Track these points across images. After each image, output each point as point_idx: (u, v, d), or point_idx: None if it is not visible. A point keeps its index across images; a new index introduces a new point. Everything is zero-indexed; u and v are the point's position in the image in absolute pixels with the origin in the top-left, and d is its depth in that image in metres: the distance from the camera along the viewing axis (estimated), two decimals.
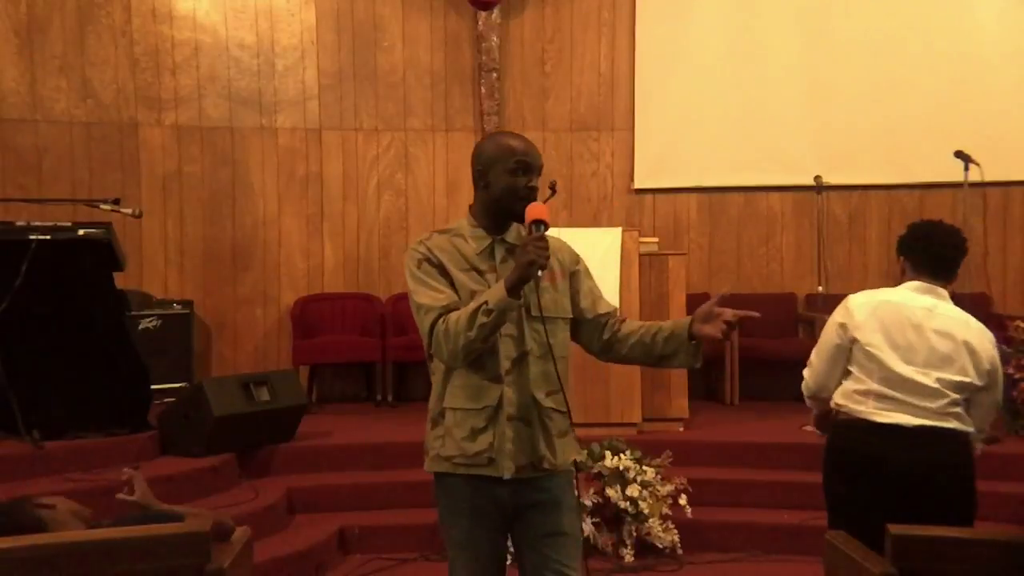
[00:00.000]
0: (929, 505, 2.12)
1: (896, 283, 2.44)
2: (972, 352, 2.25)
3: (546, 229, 1.91)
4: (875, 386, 2.23)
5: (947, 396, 2.21)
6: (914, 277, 2.36)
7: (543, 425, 2.01)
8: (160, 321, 5.33)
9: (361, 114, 6.17)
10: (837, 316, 2.37)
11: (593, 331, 2.15)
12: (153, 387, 4.36)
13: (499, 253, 2.04)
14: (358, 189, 6.18)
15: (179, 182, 5.95)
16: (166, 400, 4.57)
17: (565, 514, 2.05)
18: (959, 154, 4.74)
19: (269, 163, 6.09)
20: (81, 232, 3.97)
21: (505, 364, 1.98)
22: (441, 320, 1.94)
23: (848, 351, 2.31)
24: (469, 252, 2.04)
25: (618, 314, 2.18)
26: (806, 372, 2.44)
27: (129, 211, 4.26)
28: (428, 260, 2.03)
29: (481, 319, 1.88)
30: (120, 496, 2.23)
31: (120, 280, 4.31)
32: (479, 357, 1.96)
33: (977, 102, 5.86)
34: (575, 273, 2.14)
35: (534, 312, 2.00)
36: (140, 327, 5.19)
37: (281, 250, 6.11)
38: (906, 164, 5.96)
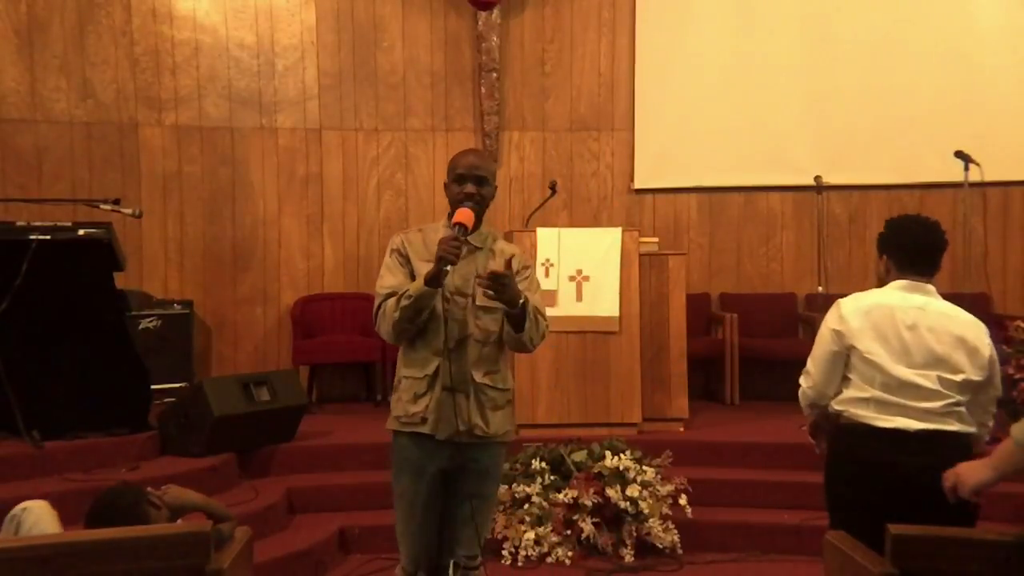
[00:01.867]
0: (932, 509, 2.10)
1: (880, 282, 2.41)
2: (968, 348, 2.24)
3: (465, 232, 2.27)
4: (876, 392, 2.21)
5: (948, 396, 2.20)
6: (899, 276, 2.34)
7: (478, 399, 2.38)
8: (160, 321, 5.33)
9: (361, 114, 6.18)
10: (831, 323, 2.33)
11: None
12: (153, 387, 4.36)
13: (465, 248, 2.32)
14: (358, 189, 6.18)
15: (179, 182, 5.95)
16: (166, 400, 4.57)
17: (489, 482, 2.46)
18: (959, 154, 4.74)
19: (269, 163, 6.09)
20: (81, 232, 3.97)
21: (449, 343, 2.34)
22: (383, 303, 2.36)
23: (845, 357, 2.29)
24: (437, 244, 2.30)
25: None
26: (803, 381, 2.40)
27: (129, 211, 4.26)
28: (398, 251, 2.46)
29: (404, 303, 2.29)
30: (152, 492, 2.25)
31: (120, 280, 4.31)
32: (425, 334, 2.35)
33: (977, 102, 5.87)
34: (520, 275, 2.41)
35: (478, 302, 2.36)
36: (140, 327, 5.19)
37: (281, 250, 6.11)
38: (906, 164, 5.96)
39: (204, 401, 4.08)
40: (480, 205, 2.39)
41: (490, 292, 2.23)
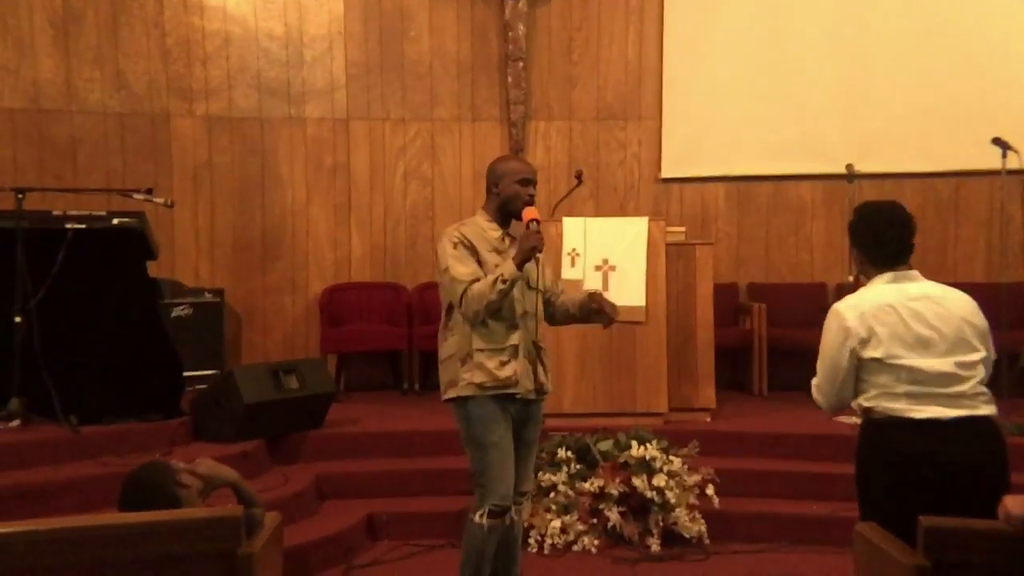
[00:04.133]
0: (970, 498, 2.07)
1: (861, 271, 2.38)
2: (972, 325, 2.23)
3: (539, 225, 2.73)
4: (907, 388, 2.19)
5: (971, 378, 2.18)
6: (880, 269, 2.30)
7: (542, 362, 2.87)
8: (192, 309, 5.41)
9: (388, 104, 6.20)
10: (836, 334, 2.26)
11: (544, 302, 2.97)
12: (185, 374, 4.43)
13: (507, 241, 2.86)
14: (385, 179, 6.21)
15: (209, 172, 6.02)
16: (197, 387, 4.64)
17: (539, 430, 2.98)
18: (997, 141, 4.63)
19: (297, 153, 6.14)
20: (115, 221, 4.04)
21: (516, 317, 2.79)
22: (469, 288, 2.71)
23: (857, 364, 2.25)
24: (492, 238, 2.84)
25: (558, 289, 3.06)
26: (817, 394, 2.36)
27: (161, 201, 4.33)
28: (463, 243, 2.79)
29: (499, 286, 2.70)
30: (186, 466, 2.28)
31: (153, 269, 4.39)
32: (498, 313, 2.76)
33: (1014, 87, 5.72)
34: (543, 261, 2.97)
35: (532, 285, 2.85)
36: (172, 315, 5.27)
37: (309, 239, 6.16)
38: (941, 152, 5.84)
39: (235, 388, 4.14)
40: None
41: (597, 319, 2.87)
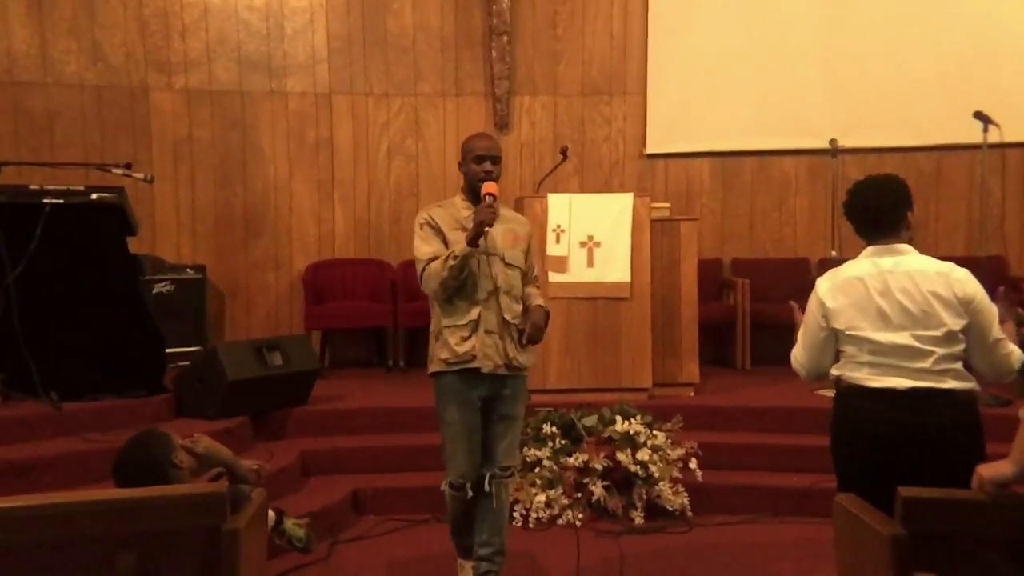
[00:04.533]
0: (929, 468, 2.11)
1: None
2: (943, 299, 2.20)
3: (495, 200, 2.78)
4: (868, 358, 2.24)
5: (934, 353, 2.19)
6: (866, 242, 2.35)
7: (511, 337, 2.87)
8: (174, 286, 5.37)
9: (371, 78, 6.13)
10: (813, 307, 2.36)
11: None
12: (167, 351, 4.40)
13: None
14: (368, 154, 6.15)
15: (190, 147, 5.95)
16: (180, 364, 4.62)
17: (519, 405, 2.95)
18: (978, 115, 4.65)
19: (279, 128, 6.07)
20: (94, 196, 3.98)
21: (482, 295, 2.84)
22: (427, 267, 2.83)
23: (834, 336, 2.31)
24: (461, 216, 2.90)
25: (533, 278, 3.08)
26: (796, 363, 2.43)
27: (141, 176, 4.27)
28: (428, 224, 2.91)
29: (450, 263, 2.77)
30: (184, 443, 2.28)
31: (133, 245, 4.33)
32: (463, 288, 2.82)
33: (996, 61, 5.75)
34: (528, 249, 3.03)
35: (509, 262, 2.90)
36: (154, 291, 5.23)
37: (292, 215, 6.11)
38: (923, 126, 5.87)
39: (218, 365, 4.12)
40: (496, 179, 2.89)
41: (529, 343, 2.86)
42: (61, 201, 3.91)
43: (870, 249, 2.33)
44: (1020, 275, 5.54)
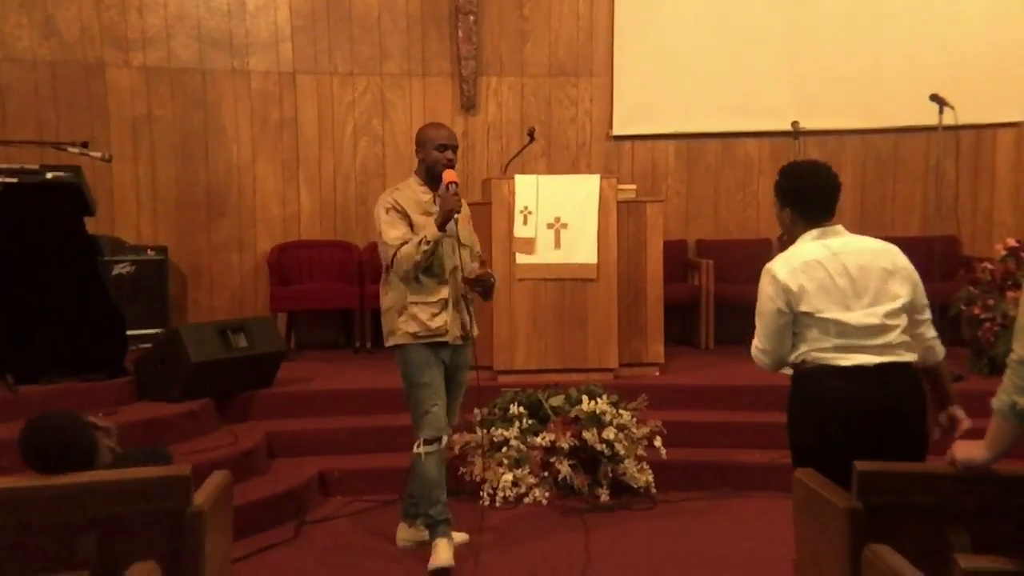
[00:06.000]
0: (892, 441, 2.18)
1: (785, 230, 2.45)
2: (891, 273, 2.29)
3: (457, 187, 3.08)
4: (833, 340, 2.26)
5: (895, 327, 2.26)
6: (806, 225, 2.37)
7: (469, 311, 3.22)
8: (134, 267, 5.27)
9: (336, 57, 6.04)
10: (771, 292, 2.33)
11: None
12: (128, 332, 4.33)
13: (437, 202, 3.15)
14: (334, 135, 6.08)
15: (149, 126, 5.82)
16: (142, 346, 4.55)
17: (466, 371, 3.30)
18: (934, 97, 4.74)
19: (242, 107, 5.96)
20: (49, 175, 3.89)
21: (446, 274, 3.14)
22: (398, 250, 3.06)
23: (792, 319, 2.32)
24: (422, 200, 3.17)
25: (477, 254, 3.36)
26: (760, 355, 2.41)
27: (98, 155, 4.17)
28: (395, 208, 3.13)
29: (423, 247, 3.05)
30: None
31: (91, 225, 4.24)
32: (430, 268, 3.10)
33: (953, 45, 5.84)
34: (469, 221, 3.34)
35: (464, 242, 3.21)
36: (114, 272, 5.13)
37: (256, 196, 6.03)
38: (882, 108, 5.97)
39: (181, 347, 4.07)
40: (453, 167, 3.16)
41: (479, 290, 3.17)
42: (15, 180, 3.81)
43: (814, 232, 2.35)
44: (972, 255, 5.67)
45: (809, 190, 2.37)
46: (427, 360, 3.13)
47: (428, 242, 3.03)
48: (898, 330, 2.26)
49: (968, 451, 1.86)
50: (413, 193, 3.17)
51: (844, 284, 2.27)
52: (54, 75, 5.61)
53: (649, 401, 4.11)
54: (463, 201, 3.21)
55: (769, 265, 2.38)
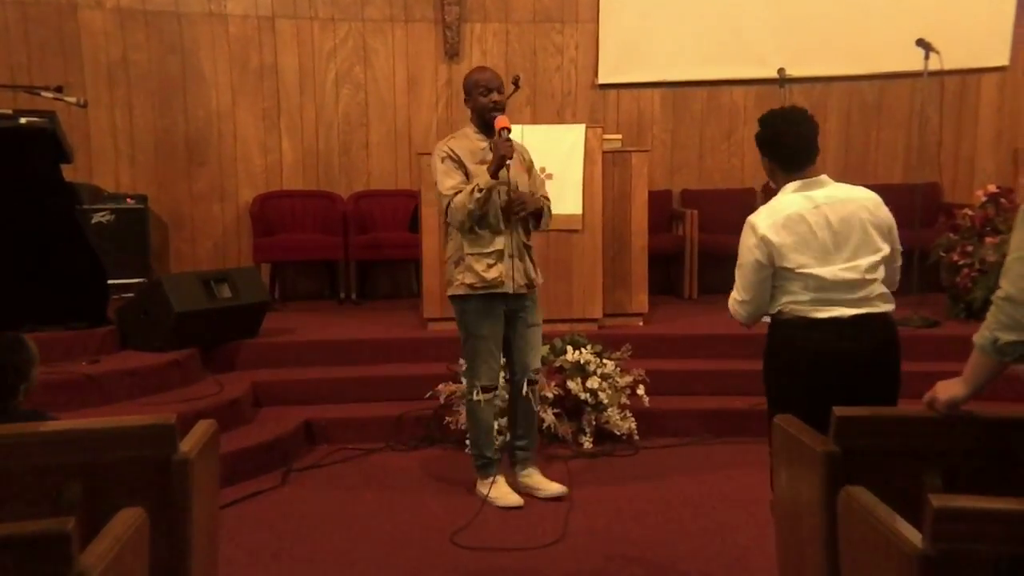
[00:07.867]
0: (864, 390, 2.21)
1: (771, 177, 2.43)
2: (875, 223, 2.30)
3: (509, 132, 3.02)
4: (811, 295, 2.28)
5: (873, 280, 2.28)
6: (787, 175, 2.36)
7: (531, 259, 3.22)
8: (113, 216, 5.20)
9: (316, 2, 5.89)
10: (752, 244, 2.32)
11: None
12: (110, 282, 4.28)
13: (492, 148, 3.09)
14: (315, 82, 5.96)
15: (125, 70, 5.68)
16: (124, 295, 4.52)
17: (540, 314, 3.32)
18: (920, 42, 4.70)
19: (220, 52, 5.82)
20: (23, 121, 3.80)
21: (500, 224, 3.10)
22: (452, 200, 3.04)
23: (773, 273, 2.32)
24: (477, 148, 3.13)
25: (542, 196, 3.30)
26: (739, 308, 2.40)
27: (73, 100, 4.07)
28: (450, 157, 3.10)
29: (476, 195, 3.01)
30: None
31: (68, 173, 4.17)
32: (484, 219, 3.07)
33: None
34: (531, 169, 3.32)
35: (521, 188, 3.12)
36: (93, 221, 5.06)
37: (237, 144, 5.93)
38: (868, 54, 5.93)
39: (164, 298, 4.04)
40: (503, 110, 3.09)
41: (521, 216, 3.11)
42: None
43: (796, 183, 2.34)
44: (953, 201, 5.70)
45: (784, 137, 2.34)
46: (485, 312, 3.14)
47: (480, 190, 2.98)
48: (874, 283, 2.28)
49: (948, 389, 1.90)
50: (469, 141, 3.14)
51: (825, 237, 2.27)
52: (24, 16, 5.43)
53: (633, 350, 4.15)
54: (522, 146, 3.20)
55: (751, 218, 2.37)
